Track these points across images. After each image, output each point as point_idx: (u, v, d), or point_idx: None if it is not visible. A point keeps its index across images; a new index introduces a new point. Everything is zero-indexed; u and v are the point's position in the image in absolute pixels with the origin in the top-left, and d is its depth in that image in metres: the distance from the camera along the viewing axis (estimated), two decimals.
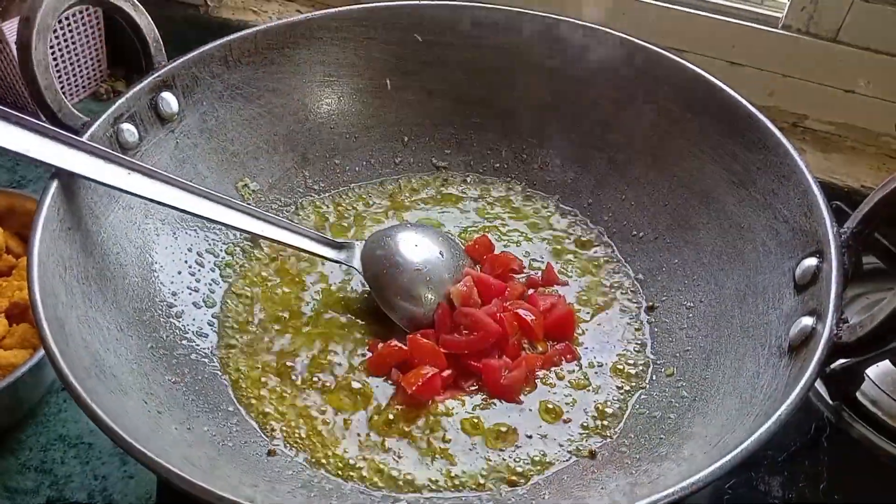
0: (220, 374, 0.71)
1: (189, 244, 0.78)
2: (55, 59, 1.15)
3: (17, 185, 1.09)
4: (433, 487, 0.64)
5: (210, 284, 0.78)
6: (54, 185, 0.65)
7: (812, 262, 0.63)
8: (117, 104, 0.72)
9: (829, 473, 0.74)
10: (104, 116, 0.71)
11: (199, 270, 0.78)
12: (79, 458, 0.79)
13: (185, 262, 0.77)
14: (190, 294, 0.76)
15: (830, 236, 0.62)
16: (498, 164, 0.90)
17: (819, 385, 0.73)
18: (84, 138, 0.69)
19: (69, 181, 0.66)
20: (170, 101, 0.77)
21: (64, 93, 0.91)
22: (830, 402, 0.77)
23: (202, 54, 0.79)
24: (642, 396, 0.71)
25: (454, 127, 0.90)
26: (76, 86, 1.22)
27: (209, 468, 0.57)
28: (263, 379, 0.71)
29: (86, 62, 1.21)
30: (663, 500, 0.47)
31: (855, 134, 1.02)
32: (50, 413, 0.82)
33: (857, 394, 0.74)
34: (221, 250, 0.80)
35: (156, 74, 0.76)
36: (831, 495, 0.73)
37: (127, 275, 0.71)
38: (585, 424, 0.69)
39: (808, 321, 0.59)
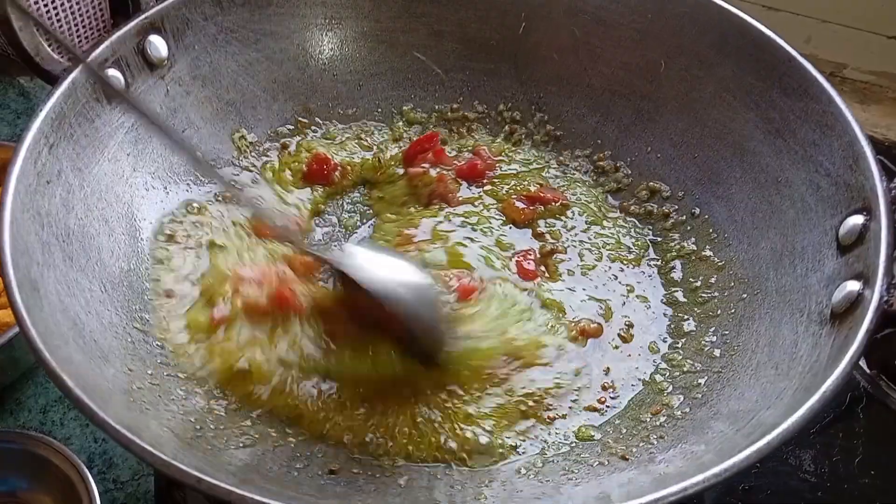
0: None
1: (182, 199, 0.74)
2: (50, 8, 1.09)
3: (19, 140, 1.04)
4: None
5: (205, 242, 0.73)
6: (30, 135, 0.61)
7: (858, 219, 0.58)
8: (101, 48, 0.67)
9: (865, 447, 0.72)
10: (87, 61, 0.66)
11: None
12: (79, 419, 0.77)
13: (182, 218, 0.72)
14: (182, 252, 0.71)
15: (880, 191, 0.57)
16: (513, 112, 0.84)
17: None
18: (64, 85, 0.64)
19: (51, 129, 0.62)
20: (158, 45, 0.71)
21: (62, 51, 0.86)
22: (867, 370, 0.74)
23: None
24: (665, 366, 0.66)
25: (466, 73, 0.84)
26: (75, 36, 1.16)
27: (192, 442, 0.54)
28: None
29: (86, 11, 1.15)
30: (693, 489, 0.42)
31: None
32: None
33: None
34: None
35: (143, 16, 0.70)
36: (867, 470, 0.71)
37: (113, 231, 0.67)
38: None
39: (853, 286, 0.55)
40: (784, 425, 0.45)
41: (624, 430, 0.61)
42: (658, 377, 0.65)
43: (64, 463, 0.68)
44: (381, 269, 0.63)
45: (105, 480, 0.73)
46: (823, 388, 0.47)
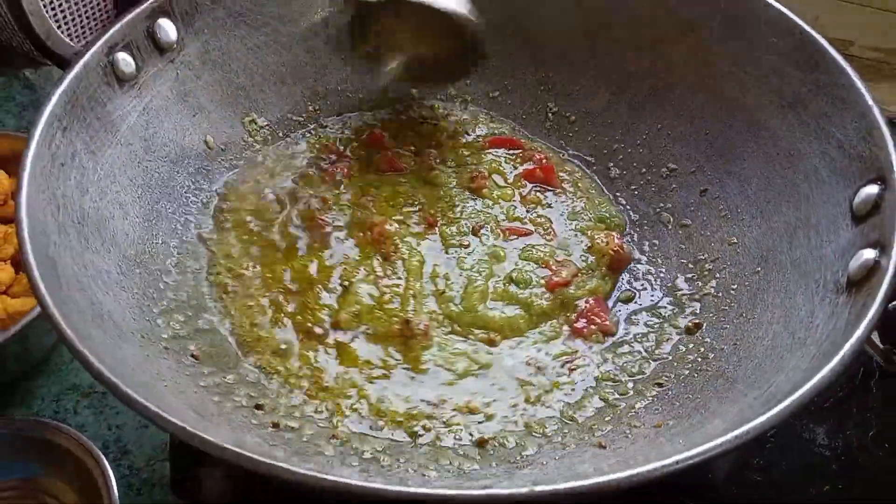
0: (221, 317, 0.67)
1: (197, 183, 0.74)
2: None
3: (25, 131, 1.04)
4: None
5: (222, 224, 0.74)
6: (44, 117, 0.61)
7: (873, 189, 0.58)
8: (111, 31, 0.67)
9: (878, 420, 0.71)
10: (98, 45, 0.66)
11: (205, 210, 0.73)
12: (92, 407, 0.77)
13: (193, 201, 0.73)
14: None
15: (894, 161, 0.57)
16: (522, 92, 0.83)
17: None
18: (76, 69, 0.64)
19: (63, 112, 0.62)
20: (168, 28, 0.71)
21: (70, 37, 0.85)
22: (880, 345, 0.73)
23: None
24: (679, 339, 0.66)
25: None
26: (80, 27, 1.15)
27: (217, 415, 0.54)
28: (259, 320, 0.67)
29: (89, 2, 1.14)
30: (713, 452, 0.42)
31: None
32: (61, 362, 0.79)
33: None
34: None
35: (152, 0, 0.70)
36: (882, 443, 0.70)
37: (128, 214, 0.67)
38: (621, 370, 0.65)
39: (870, 254, 0.55)
40: (802, 390, 0.45)
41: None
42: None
43: (80, 450, 0.67)
44: None
45: (120, 467, 0.73)
46: (842, 352, 0.47)
